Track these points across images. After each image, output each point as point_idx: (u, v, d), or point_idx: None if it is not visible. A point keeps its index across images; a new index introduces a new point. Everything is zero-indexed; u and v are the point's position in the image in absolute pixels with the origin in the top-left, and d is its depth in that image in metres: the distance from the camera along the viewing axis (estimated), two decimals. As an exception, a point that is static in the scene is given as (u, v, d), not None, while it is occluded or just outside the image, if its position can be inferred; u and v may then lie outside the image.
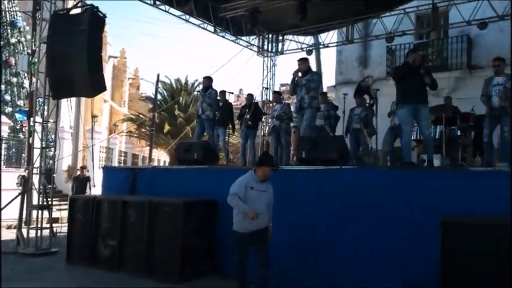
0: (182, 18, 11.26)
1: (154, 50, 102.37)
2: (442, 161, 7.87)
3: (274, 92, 10.75)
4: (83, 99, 17.56)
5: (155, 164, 26.63)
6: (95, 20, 7.19)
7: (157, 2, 10.39)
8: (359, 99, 9.22)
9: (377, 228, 5.08)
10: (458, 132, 8.47)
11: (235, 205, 4.81)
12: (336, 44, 13.69)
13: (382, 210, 5.08)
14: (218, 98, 9.73)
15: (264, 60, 14.06)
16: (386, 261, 4.94)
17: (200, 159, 7.25)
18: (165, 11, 10.78)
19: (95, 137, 17.34)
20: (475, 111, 8.31)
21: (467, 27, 11.00)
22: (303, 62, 7.63)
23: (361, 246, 5.15)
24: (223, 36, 12.36)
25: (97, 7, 7.23)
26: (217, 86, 9.55)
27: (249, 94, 10.27)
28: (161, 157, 32.06)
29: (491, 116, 6.76)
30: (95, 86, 7.36)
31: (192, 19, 11.38)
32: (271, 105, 11.69)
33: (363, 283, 4.99)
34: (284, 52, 14.04)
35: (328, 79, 17.27)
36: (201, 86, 10.73)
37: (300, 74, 7.49)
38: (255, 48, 13.76)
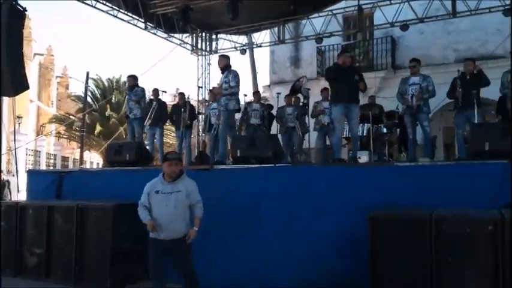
0: (110, 14, 10.85)
1: (85, 47, 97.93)
2: (370, 157, 8.26)
3: (211, 90, 10.69)
4: (5, 99, 16.42)
5: (87, 166, 25.57)
6: (14, 14, 6.78)
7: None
8: (289, 98, 9.47)
9: (307, 222, 5.21)
10: (384, 130, 8.92)
11: (140, 216, 4.41)
12: (268, 44, 13.88)
13: (312, 206, 5.22)
14: (151, 97, 9.55)
15: (198, 59, 13.96)
16: (316, 255, 5.08)
17: (132, 160, 7.03)
18: (91, 5, 10.33)
19: (19, 139, 16.28)
20: (399, 110, 8.77)
21: (390, 28, 11.59)
22: (222, 58, 7.29)
23: (294, 240, 5.25)
24: (154, 33, 12.08)
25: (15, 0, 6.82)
26: (152, 85, 9.33)
27: (180, 93, 10.14)
28: (94, 159, 30.80)
29: (409, 114, 7.20)
30: (17, 85, 6.95)
31: (121, 14, 11.01)
32: (206, 104, 11.58)
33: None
34: (218, 51, 13.99)
35: (263, 79, 17.41)
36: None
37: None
38: (189, 47, 13.61)
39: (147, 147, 9.67)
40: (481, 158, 4.99)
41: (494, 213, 4.09)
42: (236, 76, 7.04)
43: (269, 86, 15.66)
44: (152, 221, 4.32)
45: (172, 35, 12.63)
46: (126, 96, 9.12)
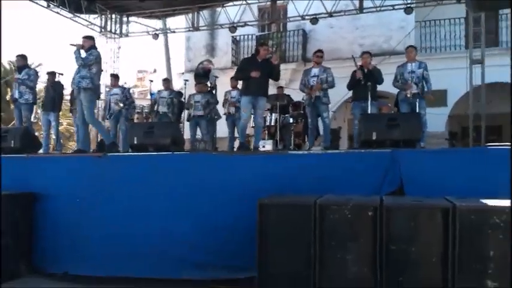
0: (6, -11, 9.91)
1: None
2: (273, 146, 8.39)
3: (112, 75, 10.21)
4: None
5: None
6: None
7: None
8: (199, 86, 9.37)
9: (202, 209, 5.16)
10: (291, 120, 9.12)
11: None
12: (183, 30, 13.56)
13: (208, 193, 5.17)
14: (47, 80, 8.93)
15: (107, 42, 13.29)
16: (210, 241, 5.07)
17: (18, 148, 6.46)
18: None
19: None
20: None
21: (303, 22, 11.82)
22: (87, 39, 6.81)
23: (189, 227, 5.17)
24: (58, 13, 11.27)
25: None
26: (57, 68, 8.65)
27: (48, 72, 9.45)
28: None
29: (310, 105, 7.41)
30: None
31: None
32: (107, 89, 11.00)
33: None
34: (129, 35, 13.46)
35: (179, 66, 17.09)
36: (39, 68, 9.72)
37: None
38: (97, 29, 12.91)
39: (43, 133, 9.07)
40: (369, 147, 5.23)
41: (374, 199, 4.27)
42: (97, 55, 6.67)
43: (183, 73, 15.35)
44: None
45: (78, 15, 11.86)
46: (16, 78, 8.22)
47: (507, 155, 4.27)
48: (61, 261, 5.48)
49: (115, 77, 9.60)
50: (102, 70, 6.90)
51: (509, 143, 4.66)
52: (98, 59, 6.66)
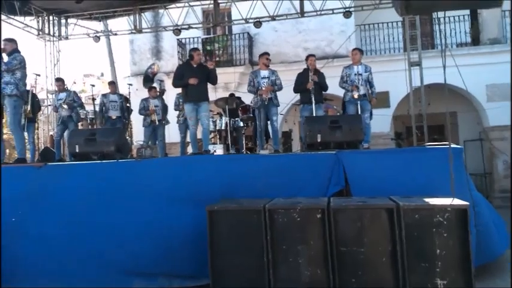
0: None
1: None
2: (225, 150, 8.33)
3: (57, 80, 9.83)
4: None
5: None
6: None
7: None
8: (153, 91, 9.30)
9: (149, 216, 5.04)
10: (241, 123, 9.09)
11: None
12: (126, 32, 13.18)
13: (154, 199, 5.05)
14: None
15: (45, 45, 12.67)
16: (160, 249, 4.94)
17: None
18: None
19: None
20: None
21: (247, 25, 11.85)
22: (8, 42, 6.50)
23: (134, 234, 5.02)
24: (-12, 15, 10.59)
25: None
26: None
27: None
28: None
29: (261, 107, 7.44)
30: None
31: None
32: (53, 95, 10.57)
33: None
34: (69, 37, 12.89)
35: (123, 69, 16.63)
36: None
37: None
38: (35, 31, 12.26)
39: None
40: (314, 149, 5.31)
41: (322, 201, 4.34)
42: (20, 60, 6.41)
43: (129, 76, 14.94)
44: None
45: (12, 17, 11.21)
46: None
47: (445, 154, 4.47)
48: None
49: (60, 81, 9.21)
50: (26, 75, 6.58)
51: (448, 142, 4.88)
52: (22, 63, 6.39)
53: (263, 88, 7.38)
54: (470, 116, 13.02)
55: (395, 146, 10.84)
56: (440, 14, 9.16)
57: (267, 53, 7.78)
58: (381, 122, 11.06)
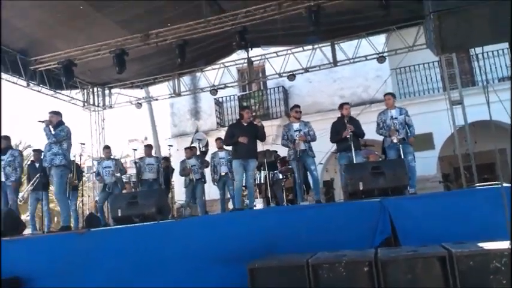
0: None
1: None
2: (265, 203, 8.22)
3: (105, 147, 10.25)
4: None
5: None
6: None
7: None
8: (187, 153, 9.46)
9: (193, 276, 4.90)
10: (280, 176, 9.01)
11: None
12: (167, 97, 13.71)
13: (197, 259, 4.94)
14: (32, 159, 8.85)
15: (91, 115, 13.34)
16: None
17: (2, 230, 6.23)
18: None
19: None
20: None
21: (281, 79, 12.05)
22: (54, 114, 6.82)
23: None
24: (38, 91, 11.34)
25: None
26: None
27: (34, 150, 9.40)
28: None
29: (297, 159, 7.35)
30: None
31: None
32: (97, 162, 10.96)
33: None
34: (113, 106, 13.53)
35: (165, 131, 17.17)
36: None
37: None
38: (80, 103, 12.98)
39: (30, 213, 8.88)
40: (356, 198, 5.10)
41: (369, 253, 4.09)
42: (67, 131, 6.77)
43: (170, 138, 15.38)
44: None
45: (59, 91, 11.94)
46: None
47: (498, 194, 4.15)
48: None
49: (108, 148, 9.57)
50: (71, 145, 6.92)
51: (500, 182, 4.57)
52: (68, 135, 6.74)
53: (296, 141, 7.33)
54: (520, 152, 12.33)
55: (444, 189, 10.30)
56: (478, 50, 8.98)
57: (297, 106, 7.79)
58: (426, 164, 10.64)
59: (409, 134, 7.19)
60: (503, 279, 3.38)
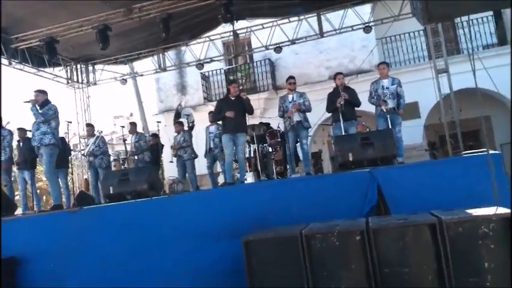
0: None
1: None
2: (255, 177, 8.28)
3: (87, 125, 10.18)
4: None
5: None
6: None
7: None
8: (176, 127, 9.45)
9: (188, 251, 4.98)
10: (270, 149, 9.05)
11: None
12: (152, 72, 13.52)
13: (192, 234, 5.01)
14: (18, 138, 8.73)
15: (75, 92, 13.13)
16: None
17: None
18: None
19: None
20: (280, 128, 8.97)
21: (268, 51, 11.95)
22: (40, 93, 6.71)
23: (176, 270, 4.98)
24: (21, 69, 11.09)
25: None
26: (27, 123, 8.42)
27: (19, 128, 9.32)
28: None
29: (290, 130, 7.41)
30: None
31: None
32: (85, 140, 10.88)
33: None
34: (97, 82, 13.33)
35: (151, 107, 17.02)
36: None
37: None
38: (64, 80, 12.75)
39: (20, 193, 8.82)
40: (346, 169, 5.18)
41: (360, 223, 4.19)
42: (54, 109, 6.70)
43: (157, 114, 15.28)
44: None
45: (42, 69, 11.70)
46: None
47: (484, 161, 4.27)
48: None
49: (89, 126, 9.52)
50: (59, 123, 6.87)
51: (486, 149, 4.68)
52: (56, 113, 6.68)
53: (290, 109, 7.38)
54: (504, 119, 12.52)
55: (430, 157, 10.47)
56: (463, 17, 8.98)
57: (291, 77, 7.78)
58: (412, 133, 10.77)
59: (400, 106, 7.25)
60: (491, 243, 3.50)
